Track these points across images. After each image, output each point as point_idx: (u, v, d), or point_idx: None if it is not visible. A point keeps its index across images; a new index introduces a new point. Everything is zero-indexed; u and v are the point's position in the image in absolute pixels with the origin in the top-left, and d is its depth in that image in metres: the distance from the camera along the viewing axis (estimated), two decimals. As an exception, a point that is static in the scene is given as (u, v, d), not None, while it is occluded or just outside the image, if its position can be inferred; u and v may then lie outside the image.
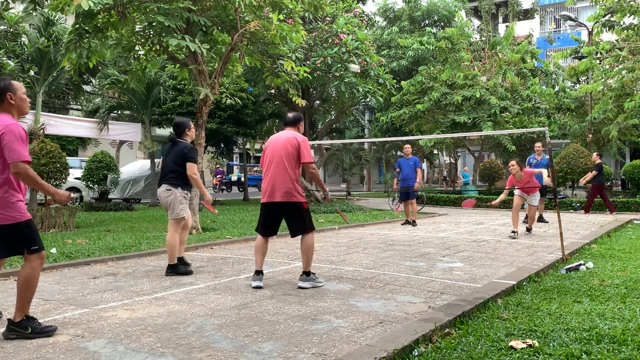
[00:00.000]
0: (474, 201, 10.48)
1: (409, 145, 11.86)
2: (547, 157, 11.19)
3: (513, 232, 9.39)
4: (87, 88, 22.44)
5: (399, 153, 31.95)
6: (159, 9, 8.34)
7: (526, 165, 11.67)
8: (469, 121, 19.72)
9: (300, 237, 5.25)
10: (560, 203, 15.70)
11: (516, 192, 9.57)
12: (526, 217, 11.33)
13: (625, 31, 16.17)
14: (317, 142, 15.26)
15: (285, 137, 5.23)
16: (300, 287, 5.13)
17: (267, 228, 5.31)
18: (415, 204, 11.71)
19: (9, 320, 3.68)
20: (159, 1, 8.41)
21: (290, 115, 5.50)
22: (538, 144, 11.86)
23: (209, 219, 11.99)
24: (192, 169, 5.85)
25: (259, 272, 5.24)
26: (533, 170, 9.81)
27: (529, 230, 9.98)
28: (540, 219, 11.94)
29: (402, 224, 11.74)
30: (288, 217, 5.25)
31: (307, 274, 5.23)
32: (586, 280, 5.35)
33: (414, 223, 11.52)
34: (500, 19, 36.10)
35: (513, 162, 9.35)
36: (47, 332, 3.68)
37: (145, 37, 9.70)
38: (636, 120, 17.91)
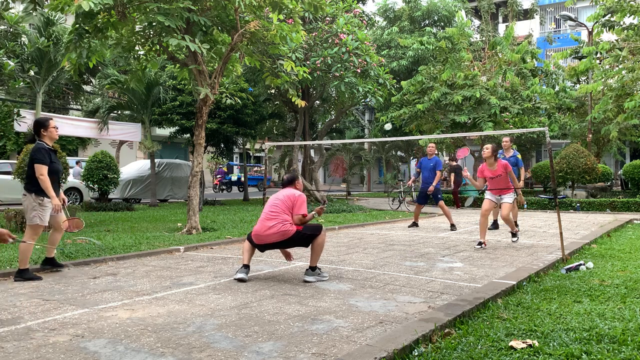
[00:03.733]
0: (467, 150, 9.29)
1: (433, 145, 11.09)
2: (518, 154, 10.37)
3: (479, 244, 7.83)
4: (87, 88, 22.46)
5: (399, 153, 31.97)
6: (159, 9, 8.33)
7: None
8: (469, 121, 19.72)
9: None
10: (560, 203, 15.70)
11: (487, 194, 8.01)
12: (494, 223, 10.75)
13: (625, 31, 16.17)
14: (317, 142, 15.28)
15: (284, 193, 5.85)
16: (305, 281, 5.44)
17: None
18: (444, 206, 10.87)
19: None
20: (159, 1, 8.41)
21: (285, 176, 6.21)
22: (506, 139, 10.54)
23: (209, 219, 12.00)
24: (38, 170, 5.53)
25: (246, 266, 5.57)
26: (507, 163, 7.85)
27: (515, 235, 8.16)
28: (495, 225, 10.69)
29: (409, 226, 11.26)
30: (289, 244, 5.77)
31: (312, 268, 5.55)
32: (586, 280, 5.35)
33: (453, 227, 10.59)
34: (500, 19, 36.10)
35: (488, 146, 7.79)
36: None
37: (145, 37, 9.70)
38: (636, 120, 17.89)
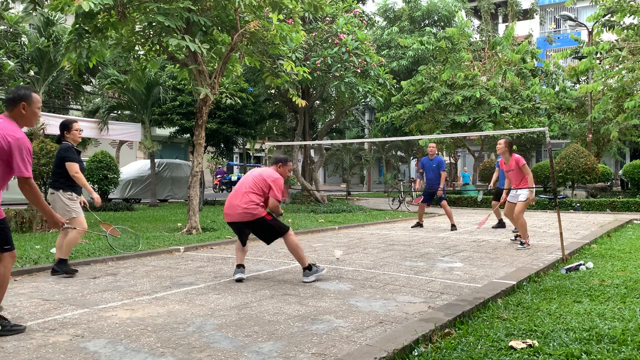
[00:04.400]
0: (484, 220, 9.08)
1: (433, 145, 11.02)
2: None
3: (522, 243, 7.98)
4: (87, 88, 22.45)
5: (399, 153, 31.96)
6: (159, 9, 8.33)
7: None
8: (469, 121, 19.72)
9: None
10: (560, 203, 15.70)
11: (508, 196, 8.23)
12: (500, 222, 10.90)
13: (625, 31, 16.16)
14: (317, 142, 15.26)
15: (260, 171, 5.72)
16: (304, 282, 5.41)
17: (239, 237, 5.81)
18: (447, 206, 10.93)
19: None
20: (159, 1, 8.40)
21: (274, 156, 6.16)
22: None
23: (209, 219, 11.99)
24: (72, 168, 5.76)
25: (240, 266, 5.60)
26: (520, 157, 7.94)
27: (517, 237, 8.40)
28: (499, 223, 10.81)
29: (412, 227, 11.18)
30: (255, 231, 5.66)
31: (306, 268, 5.50)
32: (586, 280, 5.35)
33: (454, 227, 10.63)
34: (500, 19, 36.11)
35: (501, 141, 7.99)
36: (16, 330, 3.73)
37: (145, 37, 9.69)
38: (636, 120, 17.90)
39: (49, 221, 3.91)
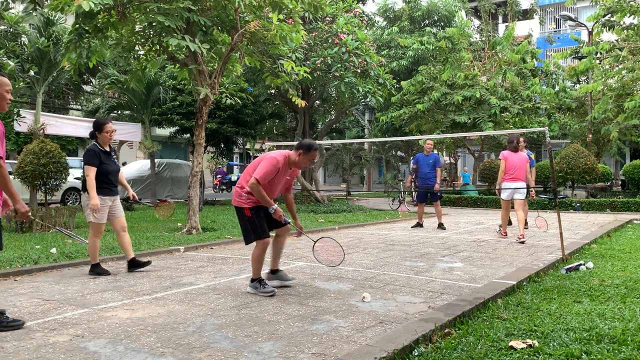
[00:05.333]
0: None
1: (431, 142, 11.04)
2: (532, 154, 10.61)
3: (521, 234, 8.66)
4: (87, 88, 22.46)
5: (399, 153, 31.95)
6: (159, 9, 8.33)
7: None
8: (469, 121, 19.72)
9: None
10: (560, 203, 15.70)
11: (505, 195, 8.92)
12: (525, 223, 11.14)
13: (625, 31, 16.17)
14: (317, 142, 15.18)
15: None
16: (248, 292, 4.97)
17: None
18: (439, 205, 11.07)
19: None
20: (159, 1, 8.40)
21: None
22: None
23: (209, 219, 12.00)
24: (85, 170, 5.82)
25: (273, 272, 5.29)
26: (526, 157, 8.97)
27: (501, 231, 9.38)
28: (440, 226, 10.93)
29: (412, 227, 11.14)
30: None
31: (255, 280, 4.97)
32: (586, 280, 5.35)
33: (441, 226, 10.77)
34: (500, 19, 36.11)
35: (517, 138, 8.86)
36: (14, 326, 3.80)
37: (145, 37, 9.69)
38: (636, 120, 17.90)
39: (15, 208, 3.88)
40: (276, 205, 4.85)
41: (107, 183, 5.92)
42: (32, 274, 5.91)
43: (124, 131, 18.96)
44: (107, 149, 6.04)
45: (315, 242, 5.41)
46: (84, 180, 5.87)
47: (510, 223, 10.96)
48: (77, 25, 8.71)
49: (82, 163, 5.91)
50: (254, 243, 4.96)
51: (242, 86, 16.69)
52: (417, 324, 3.74)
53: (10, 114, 13.62)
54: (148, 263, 6.17)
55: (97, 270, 5.92)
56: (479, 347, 3.36)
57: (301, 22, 10.42)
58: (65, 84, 17.00)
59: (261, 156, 4.97)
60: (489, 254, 7.37)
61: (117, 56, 14.73)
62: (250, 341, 3.55)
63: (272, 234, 5.07)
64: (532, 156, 10.66)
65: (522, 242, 8.46)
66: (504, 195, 8.97)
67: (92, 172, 5.77)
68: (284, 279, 5.24)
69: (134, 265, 6.11)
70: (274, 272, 5.24)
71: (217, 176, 34.87)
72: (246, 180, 4.87)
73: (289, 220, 5.08)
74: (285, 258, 7.01)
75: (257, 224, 4.88)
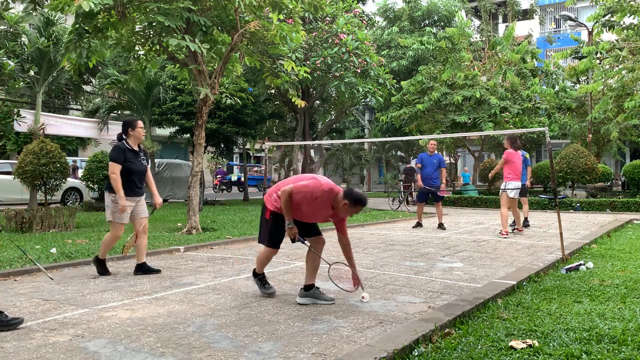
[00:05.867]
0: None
1: (434, 142, 11.10)
2: (526, 154, 10.92)
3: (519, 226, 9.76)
4: (87, 88, 22.46)
5: (399, 153, 31.96)
6: (159, 9, 8.33)
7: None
8: (469, 121, 19.73)
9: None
10: (560, 203, 15.70)
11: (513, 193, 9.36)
12: (525, 220, 11.17)
13: (625, 31, 16.17)
14: (317, 142, 15.26)
15: None
16: (256, 291, 4.85)
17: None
18: (440, 206, 11.12)
19: None
20: (159, 1, 8.40)
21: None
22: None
23: (209, 219, 12.00)
24: (110, 168, 5.69)
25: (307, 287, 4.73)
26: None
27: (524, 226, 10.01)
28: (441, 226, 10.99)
29: (413, 227, 11.12)
30: None
31: (257, 275, 4.88)
32: (586, 280, 5.35)
33: (441, 226, 10.78)
34: (500, 19, 36.12)
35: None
36: (15, 323, 3.83)
37: (145, 37, 9.70)
38: (636, 120, 17.91)
39: None
40: (293, 225, 4.48)
41: (130, 183, 5.72)
42: (32, 274, 5.91)
43: (124, 131, 18.99)
44: (137, 148, 5.87)
45: (330, 265, 5.03)
46: (107, 177, 5.76)
47: (528, 224, 11.10)
48: (77, 25, 8.71)
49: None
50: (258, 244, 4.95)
51: (242, 86, 16.71)
52: (417, 324, 3.74)
53: (10, 114, 13.62)
54: (158, 271, 5.96)
55: (100, 266, 5.85)
56: (479, 347, 3.36)
57: (301, 22, 10.43)
58: (65, 84, 17.01)
59: (314, 175, 4.69)
60: (489, 254, 7.37)
61: (117, 56, 14.75)
62: (250, 341, 3.55)
63: (307, 242, 4.75)
64: (527, 155, 10.80)
65: (505, 238, 9.16)
66: (513, 194, 9.34)
67: (117, 169, 5.59)
68: (318, 297, 4.62)
69: (143, 270, 5.89)
70: (307, 289, 4.65)
71: (217, 176, 34.89)
72: (284, 185, 4.60)
73: (307, 242, 4.71)
74: (285, 258, 7.01)
75: (273, 231, 4.63)
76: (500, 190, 9.47)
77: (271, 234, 4.67)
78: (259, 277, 4.94)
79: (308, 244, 4.73)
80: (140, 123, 5.94)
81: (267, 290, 4.89)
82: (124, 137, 5.87)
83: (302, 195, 4.36)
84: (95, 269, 5.91)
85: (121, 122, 6.02)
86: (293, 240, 4.55)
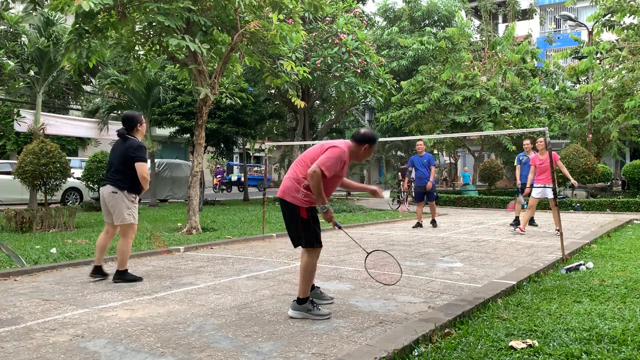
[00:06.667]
0: (513, 204, 10.75)
1: (422, 142, 11.34)
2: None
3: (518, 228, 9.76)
4: (87, 88, 22.47)
5: (399, 153, 31.96)
6: (159, 9, 8.33)
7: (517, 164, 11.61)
8: (469, 121, 19.73)
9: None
10: (560, 203, 15.70)
11: (535, 192, 9.53)
12: (516, 219, 11.16)
13: (625, 31, 16.18)
14: (317, 142, 15.20)
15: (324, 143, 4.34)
16: (290, 316, 4.10)
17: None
18: (434, 204, 11.36)
19: None
20: (159, 1, 8.40)
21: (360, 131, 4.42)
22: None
23: (209, 219, 12.00)
24: (143, 169, 5.39)
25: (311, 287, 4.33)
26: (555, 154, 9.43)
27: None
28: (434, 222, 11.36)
29: (413, 227, 11.16)
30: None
31: (299, 301, 4.10)
32: (586, 280, 5.35)
33: (434, 223, 11.22)
34: (500, 19, 36.12)
35: (541, 139, 9.51)
36: None
37: (145, 37, 9.70)
38: (636, 120, 17.91)
39: None
40: (328, 207, 4.08)
41: (139, 182, 5.50)
42: (32, 274, 5.91)
43: (124, 131, 18.99)
44: None
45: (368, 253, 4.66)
46: (121, 175, 5.39)
47: (519, 222, 11.03)
48: (77, 25, 8.71)
49: (129, 159, 5.36)
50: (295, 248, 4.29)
51: (242, 86, 16.70)
52: (417, 324, 3.74)
53: (10, 114, 13.62)
54: (106, 275, 5.51)
55: (126, 277, 5.43)
56: (479, 347, 3.36)
57: (301, 22, 10.43)
58: (65, 84, 17.01)
59: (322, 144, 4.24)
60: (489, 254, 7.37)
61: (117, 56, 14.74)
62: (250, 341, 3.55)
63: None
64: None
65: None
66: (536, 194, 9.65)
67: (147, 168, 5.44)
68: (319, 297, 4.44)
69: (102, 274, 5.56)
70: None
71: (217, 176, 34.88)
72: (303, 170, 4.11)
73: (341, 225, 4.42)
74: (285, 258, 7.02)
75: (313, 228, 4.14)
76: (537, 193, 9.55)
77: (311, 231, 4.13)
78: (310, 301, 4.12)
79: (342, 226, 4.42)
80: (143, 117, 5.80)
81: (321, 312, 4.09)
82: (127, 132, 5.56)
83: (333, 168, 4.03)
84: (122, 282, 5.42)
85: (124, 117, 5.66)
86: (333, 225, 4.20)
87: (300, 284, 4.13)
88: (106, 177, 5.56)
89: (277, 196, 4.34)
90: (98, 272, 5.57)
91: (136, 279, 5.50)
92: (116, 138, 5.73)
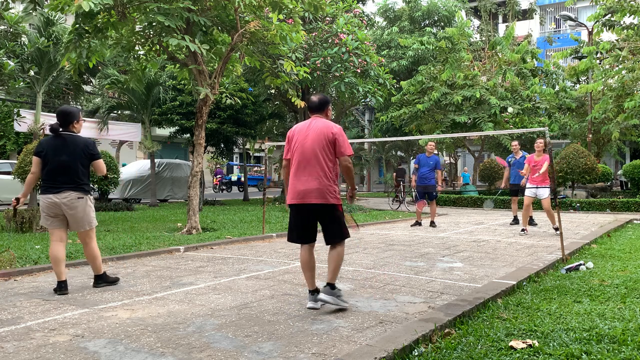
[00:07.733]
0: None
1: (433, 143, 11.38)
2: (527, 154, 11.15)
3: (522, 230, 9.80)
4: (87, 88, 22.45)
5: (399, 153, 31.96)
6: (159, 9, 8.33)
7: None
8: (469, 121, 19.73)
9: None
10: (560, 203, 15.70)
11: (528, 192, 9.63)
12: (515, 219, 11.48)
13: (625, 31, 16.18)
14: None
15: (318, 127, 4.26)
16: (320, 300, 4.28)
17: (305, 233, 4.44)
18: (434, 204, 11.45)
19: None
20: (159, 1, 8.40)
21: (314, 98, 4.44)
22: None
23: (209, 219, 12.00)
24: (103, 167, 5.18)
25: (313, 292, 4.40)
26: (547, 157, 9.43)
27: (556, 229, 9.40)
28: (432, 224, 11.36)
29: (411, 225, 11.39)
30: (323, 221, 4.41)
31: (332, 286, 4.32)
32: (586, 280, 5.35)
33: (432, 224, 11.25)
34: (500, 19, 36.12)
35: (541, 140, 9.52)
36: None
37: (145, 37, 9.69)
38: (636, 120, 17.90)
39: None
40: None
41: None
42: (32, 274, 5.91)
43: (124, 131, 19.01)
44: None
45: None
46: (85, 177, 5.04)
47: (518, 222, 11.27)
48: (77, 25, 8.71)
49: (86, 158, 5.06)
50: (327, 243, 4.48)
51: (242, 86, 16.70)
52: (417, 324, 3.74)
53: (10, 114, 13.62)
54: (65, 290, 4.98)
55: (107, 279, 5.29)
56: (479, 347, 3.36)
57: (301, 22, 10.43)
58: (65, 84, 16.99)
59: (317, 132, 4.22)
60: (489, 254, 7.37)
61: (117, 56, 14.74)
62: (250, 341, 3.55)
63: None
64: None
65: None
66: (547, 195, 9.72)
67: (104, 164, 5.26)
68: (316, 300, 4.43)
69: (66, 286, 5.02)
70: (313, 292, 4.43)
71: (217, 176, 34.89)
72: (331, 166, 4.24)
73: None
74: (285, 258, 7.02)
75: (343, 220, 4.41)
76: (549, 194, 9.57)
77: (344, 224, 4.39)
78: (337, 288, 4.33)
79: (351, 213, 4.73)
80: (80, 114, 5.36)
81: (344, 300, 4.35)
82: (63, 129, 5.06)
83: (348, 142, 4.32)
84: (103, 287, 5.23)
85: (60, 112, 5.12)
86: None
87: (334, 271, 4.36)
88: (61, 182, 4.95)
89: (314, 202, 4.24)
90: (66, 287, 4.99)
91: (116, 280, 5.37)
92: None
